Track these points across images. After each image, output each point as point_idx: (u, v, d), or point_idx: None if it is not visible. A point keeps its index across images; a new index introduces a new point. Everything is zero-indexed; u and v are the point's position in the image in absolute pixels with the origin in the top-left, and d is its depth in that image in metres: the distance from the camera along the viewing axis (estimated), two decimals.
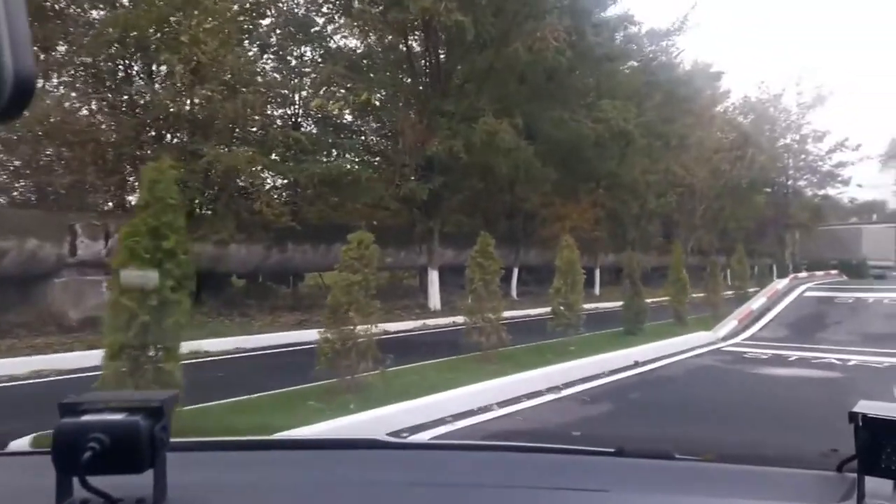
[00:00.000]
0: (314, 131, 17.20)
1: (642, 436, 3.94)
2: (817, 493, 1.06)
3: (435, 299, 17.36)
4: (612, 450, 1.25)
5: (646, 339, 11.09)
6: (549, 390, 7.57)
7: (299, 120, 17.99)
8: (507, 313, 18.92)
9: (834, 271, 21.16)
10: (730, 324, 12.82)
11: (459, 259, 22.67)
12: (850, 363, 9.04)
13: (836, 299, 14.29)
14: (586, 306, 21.55)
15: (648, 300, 23.45)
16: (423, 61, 17.44)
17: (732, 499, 1.08)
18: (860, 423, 0.94)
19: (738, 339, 12.00)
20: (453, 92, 17.12)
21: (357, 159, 16.80)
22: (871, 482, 0.93)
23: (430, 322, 15.16)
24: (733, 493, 1.10)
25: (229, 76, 14.56)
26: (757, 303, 14.21)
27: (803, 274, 17.99)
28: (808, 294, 15.09)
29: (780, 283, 15.75)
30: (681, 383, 8.37)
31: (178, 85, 14.10)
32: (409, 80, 17.12)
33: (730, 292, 18.38)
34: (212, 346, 10.49)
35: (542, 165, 18.35)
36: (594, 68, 19.04)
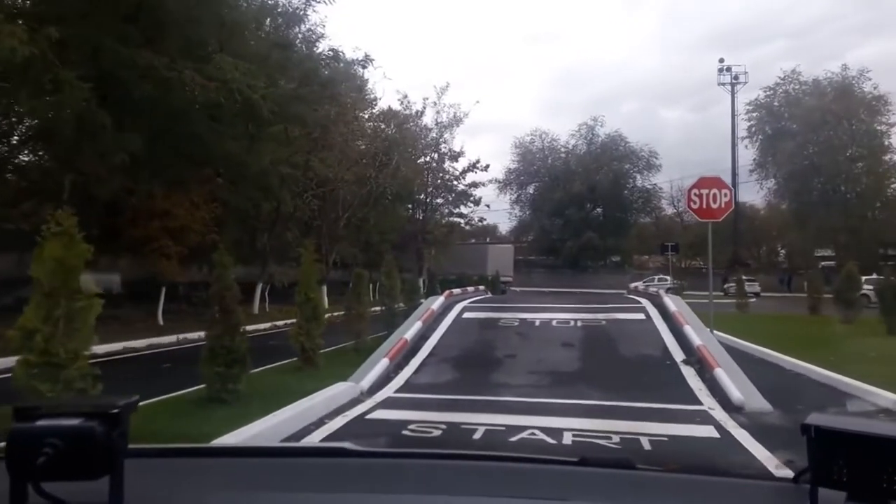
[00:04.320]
0: None
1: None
2: None
3: None
4: (574, 459, 1.21)
5: (245, 414, 6.16)
6: None
7: None
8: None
9: (482, 287, 19.64)
10: (378, 364, 8.79)
11: None
12: (566, 441, 5.51)
13: (500, 321, 11.58)
14: (190, 336, 15.84)
15: (280, 323, 19.00)
16: None
17: None
18: (813, 435, 0.92)
19: (390, 392, 7.94)
20: None
21: None
22: (824, 493, 0.91)
23: None
24: (692, 502, 1.09)
25: None
26: (411, 330, 10.61)
27: (458, 290, 15.46)
28: (466, 315, 12.20)
29: (435, 303, 12.59)
30: None
31: None
32: None
33: (376, 308, 14.89)
34: None
35: (119, 128, 12.11)
36: None
